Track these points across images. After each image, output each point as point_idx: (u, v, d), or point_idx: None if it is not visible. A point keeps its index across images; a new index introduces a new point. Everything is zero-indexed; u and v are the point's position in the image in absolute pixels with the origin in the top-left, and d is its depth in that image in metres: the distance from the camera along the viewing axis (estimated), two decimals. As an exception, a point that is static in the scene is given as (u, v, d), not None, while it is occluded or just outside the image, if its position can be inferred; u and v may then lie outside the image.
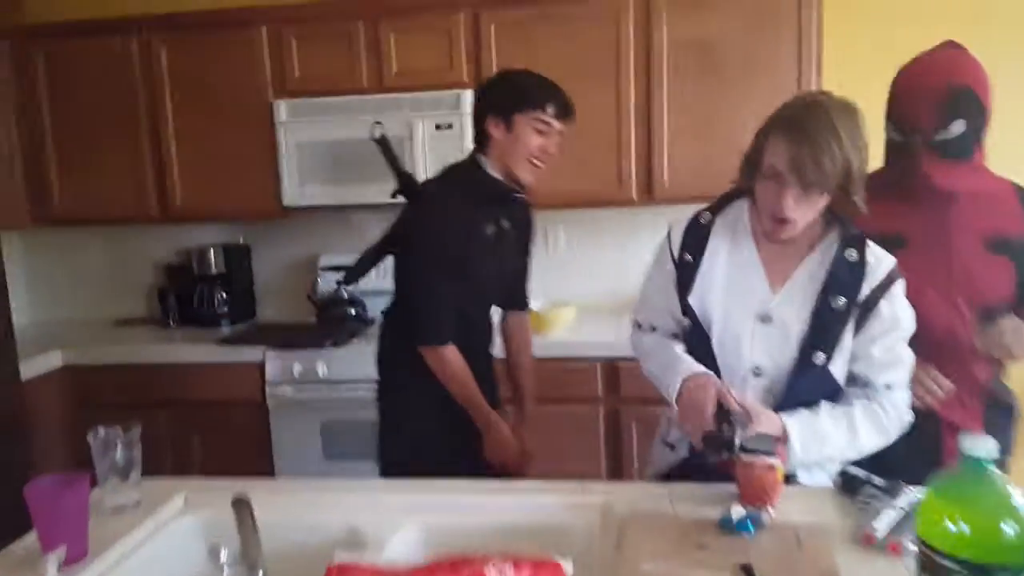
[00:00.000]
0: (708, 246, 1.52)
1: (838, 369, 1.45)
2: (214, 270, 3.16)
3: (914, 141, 1.54)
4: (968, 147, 1.53)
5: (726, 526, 1.22)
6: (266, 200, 2.94)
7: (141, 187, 3.03)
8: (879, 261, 1.43)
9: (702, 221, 1.55)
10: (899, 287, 1.43)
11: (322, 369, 2.70)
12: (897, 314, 1.44)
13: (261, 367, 2.75)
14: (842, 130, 1.30)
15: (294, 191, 2.87)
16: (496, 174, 1.87)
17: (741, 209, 1.53)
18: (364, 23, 2.82)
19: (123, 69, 2.97)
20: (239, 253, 3.27)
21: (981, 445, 0.81)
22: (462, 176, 1.91)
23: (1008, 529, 0.79)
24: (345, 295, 3.04)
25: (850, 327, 1.43)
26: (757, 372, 1.47)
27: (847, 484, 1.36)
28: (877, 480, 1.33)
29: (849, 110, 1.34)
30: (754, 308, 1.47)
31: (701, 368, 1.44)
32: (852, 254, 1.43)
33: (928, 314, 1.51)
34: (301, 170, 2.84)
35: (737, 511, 1.22)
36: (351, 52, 2.84)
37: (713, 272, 1.50)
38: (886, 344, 1.44)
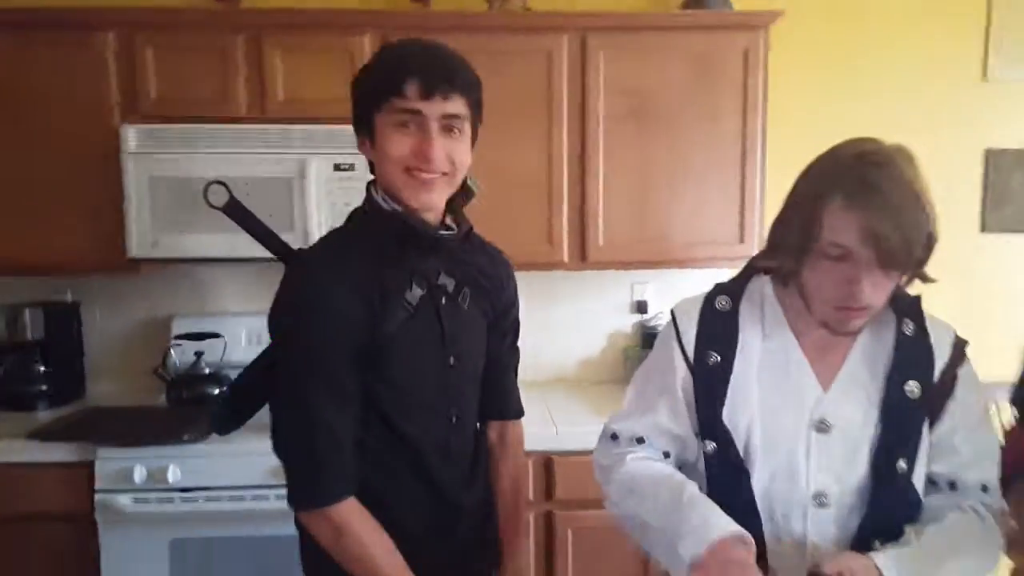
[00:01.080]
0: (740, 341, 1.17)
1: (919, 477, 1.15)
2: (30, 335, 2.45)
3: None
4: None
5: None
6: (104, 249, 2.30)
7: (-70, 227, 2.30)
8: (941, 331, 1.19)
9: (720, 308, 1.20)
10: (969, 360, 1.18)
11: (173, 473, 2.08)
12: (975, 394, 1.18)
13: (90, 468, 2.09)
14: (920, 190, 1.04)
15: (143, 239, 2.26)
16: (394, 207, 1.23)
17: (763, 290, 1.21)
18: (244, 37, 2.29)
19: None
20: (65, 314, 2.57)
21: None
22: (356, 223, 1.30)
23: None
24: (206, 370, 2.44)
25: (926, 420, 1.15)
26: (821, 501, 1.14)
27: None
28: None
29: (915, 162, 1.07)
30: (806, 416, 1.15)
31: (736, 528, 1.05)
32: (909, 326, 1.17)
33: None
34: (154, 213, 2.24)
35: None
36: (225, 70, 2.30)
37: (747, 376, 1.17)
38: (973, 432, 1.17)
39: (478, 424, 1.41)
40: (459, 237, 1.28)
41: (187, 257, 2.31)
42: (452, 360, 1.28)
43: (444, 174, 1.20)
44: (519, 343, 1.49)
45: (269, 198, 2.23)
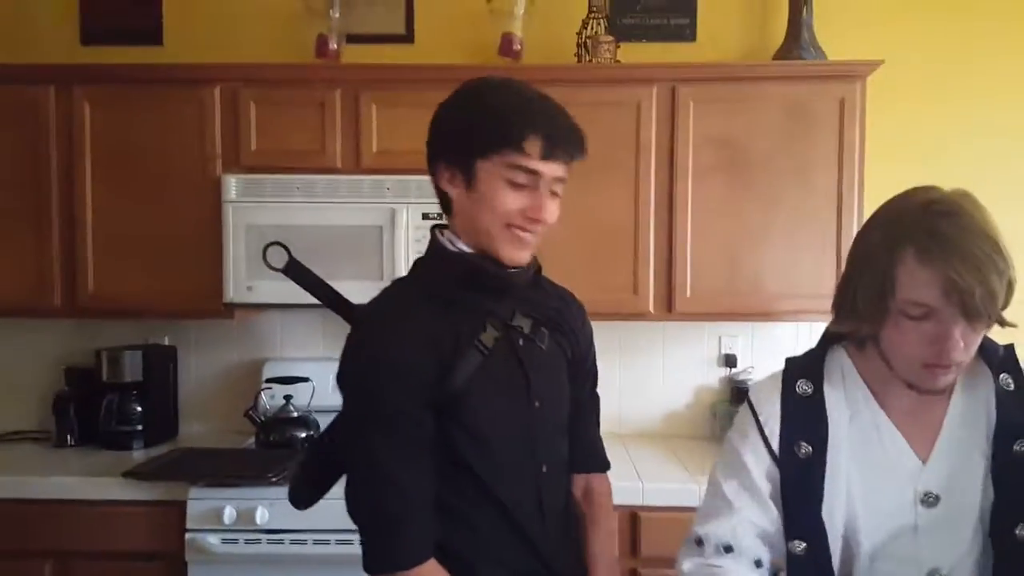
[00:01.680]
0: (830, 427, 1.10)
1: None
2: (128, 377, 2.53)
3: None
4: None
5: None
6: (203, 294, 2.38)
7: (44, 270, 2.42)
8: None
9: (802, 392, 1.12)
10: None
11: (261, 515, 2.10)
12: None
13: (181, 508, 2.13)
14: (995, 235, 0.98)
15: (239, 285, 2.34)
16: (468, 250, 1.20)
17: (842, 363, 1.15)
18: (342, 91, 2.38)
19: (33, 123, 2.41)
20: (162, 357, 2.66)
21: None
22: (421, 269, 1.26)
23: None
24: (294, 413, 2.47)
25: None
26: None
27: None
28: None
29: (982, 207, 1.02)
30: (909, 491, 1.07)
31: None
32: (1008, 381, 1.09)
33: None
34: (249, 260, 2.32)
35: None
36: (323, 124, 2.38)
37: (839, 463, 1.09)
38: None
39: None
40: (528, 275, 1.24)
41: (279, 303, 2.37)
42: (537, 403, 1.22)
43: (539, 232, 1.18)
44: (599, 391, 1.43)
45: (361, 246, 2.29)
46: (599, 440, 1.39)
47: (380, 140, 2.37)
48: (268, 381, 2.55)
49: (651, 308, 2.39)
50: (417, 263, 1.28)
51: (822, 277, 2.32)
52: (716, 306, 2.40)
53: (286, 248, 1.31)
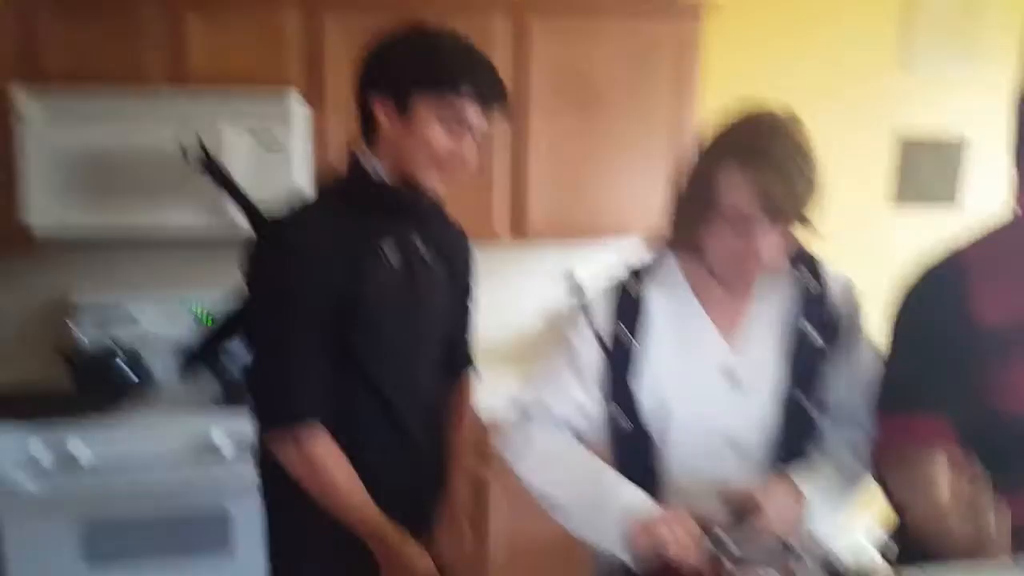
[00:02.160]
0: (648, 317, 1.22)
1: (821, 411, 1.23)
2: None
3: None
4: None
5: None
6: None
7: None
8: (834, 276, 1.26)
9: (628, 287, 1.24)
10: (859, 303, 1.26)
11: (82, 451, 1.97)
12: (863, 333, 1.26)
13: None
14: (805, 147, 1.11)
15: (41, 213, 2.08)
16: (386, 177, 1.28)
17: (669, 263, 1.26)
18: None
19: None
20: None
21: None
22: (337, 184, 1.33)
23: None
24: (114, 347, 2.31)
25: (827, 359, 1.22)
26: (735, 445, 1.21)
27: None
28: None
29: (800, 125, 1.14)
30: (716, 371, 1.21)
31: (650, 505, 1.11)
32: (806, 275, 1.24)
33: None
34: (52, 186, 2.08)
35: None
36: (139, 32, 2.16)
37: (658, 348, 1.22)
38: (862, 366, 1.24)
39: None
40: (433, 205, 1.36)
41: (92, 235, 2.15)
42: (424, 320, 1.36)
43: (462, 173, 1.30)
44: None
45: (183, 170, 2.02)
46: (468, 344, 1.58)
47: (204, 53, 2.19)
48: (81, 312, 2.37)
49: (500, 230, 2.42)
50: (334, 177, 1.35)
51: (661, 201, 2.44)
52: (565, 228, 2.47)
53: (204, 146, 1.43)
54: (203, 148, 1.37)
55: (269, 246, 1.27)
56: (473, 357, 1.60)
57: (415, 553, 1.31)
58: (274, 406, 1.25)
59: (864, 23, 2.86)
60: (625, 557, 1.09)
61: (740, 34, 2.75)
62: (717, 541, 1.00)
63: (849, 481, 1.20)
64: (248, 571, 2.05)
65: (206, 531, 2.04)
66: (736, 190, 1.08)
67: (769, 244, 1.11)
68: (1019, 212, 1.13)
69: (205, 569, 2.06)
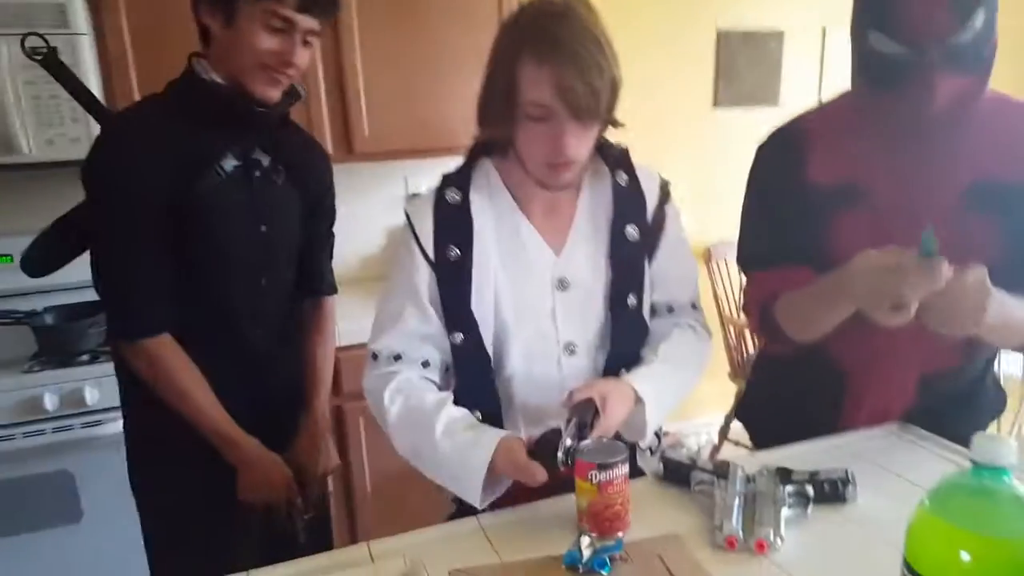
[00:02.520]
0: (475, 231, 1.20)
1: (647, 309, 1.27)
2: None
3: (927, 52, 1.07)
4: (981, 52, 1.09)
5: (575, 565, 0.93)
6: None
7: None
8: (648, 174, 1.28)
9: (452, 201, 1.21)
10: (672, 199, 1.29)
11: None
12: (681, 225, 1.30)
13: None
14: (601, 37, 1.08)
15: None
16: (221, 81, 1.29)
17: (488, 171, 1.25)
18: None
19: None
20: None
21: (998, 449, 0.61)
22: (172, 92, 1.33)
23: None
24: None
25: (646, 257, 1.25)
26: (571, 349, 1.23)
27: (673, 471, 1.17)
28: (702, 462, 1.16)
29: (594, 11, 1.11)
30: (547, 280, 1.22)
31: (499, 438, 1.09)
32: (622, 177, 1.25)
33: None
34: None
35: (587, 544, 0.95)
36: None
37: (488, 262, 1.20)
38: (681, 260, 1.30)
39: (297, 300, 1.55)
40: (275, 116, 1.35)
41: None
42: (263, 228, 1.38)
43: (291, 75, 1.30)
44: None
45: None
46: (329, 270, 1.62)
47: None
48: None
49: (330, 150, 2.34)
50: (170, 84, 1.34)
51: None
52: (397, 144, 2.41)
53: (45, 40, 1.38)
54: (46, 43, 1.36)
55: (99, 148, 1.28)
56: (333, 282, 1.63)
57: (270, 460, 1.38)
58: (121, 318, 1.33)
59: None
60: (480, 504, 1.09)
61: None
62: (567, 451, 1.00)
63: (685, 375, 1.24)
64: (98, 535, 2.00)
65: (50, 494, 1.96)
66: (535, 85, 1.06)
67: (576, 141, 1.10)
68: (852, 86, 1.22)
69: (53, 539, 1.99)
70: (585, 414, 1.05)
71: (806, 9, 3.12)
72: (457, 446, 1.09)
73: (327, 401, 1.58)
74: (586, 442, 1.02)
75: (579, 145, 1.11)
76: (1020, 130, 1.18)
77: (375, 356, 1.23)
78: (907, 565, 0.65)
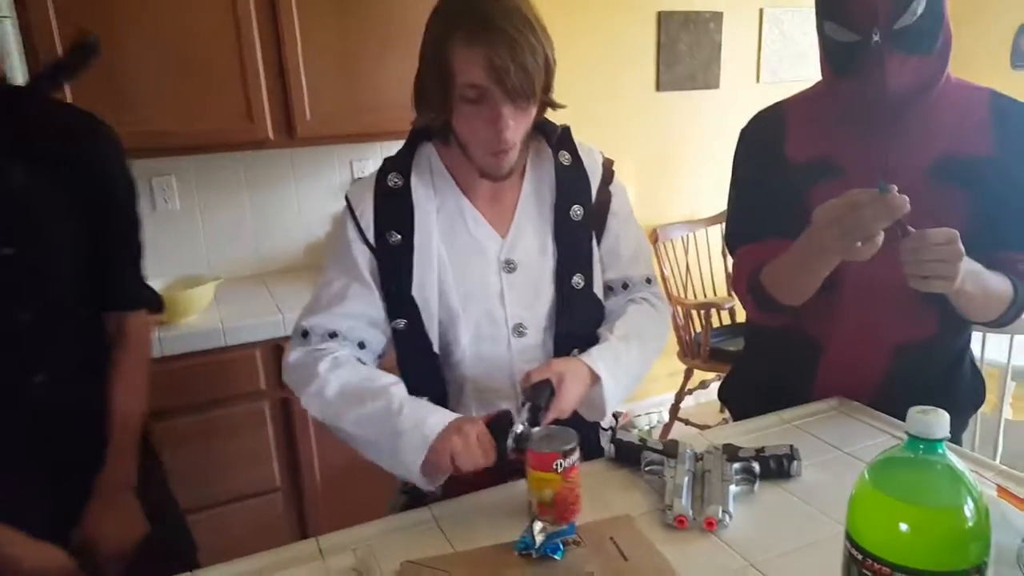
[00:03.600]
0: (416, 216, 1.18)
1: (598, 288, 1.27)
2: None
3: (874, 37, 1.14)
4: (931, 35, 1.16)
5: (528, 550, 0.94)
6: None
7: None
8: (590, 153, 1.28)
9: (393, 186, 1.19)
10: (616, 176, 1.30)
11: None
12: (627, 202, 1.32)
13: None
14: (532, 17, 1.07)
15: None
16: None
17: (429, 155, 1.23)
18: None
19: None
20: None
21: (932, 422, 0.63)
22: None
23: (964, 526, 0.62)
24: None
25: (592, 236, 1.25)
26: (520, 330, 1.23)
27: (623, 452, 1.18)
28: (652, 442, 1.18)
29: None
30: (493, 263, 1.21)
31: (447, 418, 1.06)
32: (566, 157, 1.25)
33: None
34: None
35: (540, 529, 0.95)
36: None
37: (430, 247, 1.19)
38: (630, 237, 1.30)
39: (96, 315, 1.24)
40: (53, 121, 1.11)
41: None
42: (8, 252, 1.07)
43: None
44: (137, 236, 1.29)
45: None
46: (136, 278, 1.29)
47: None
48: None
49: (271, 135, 2.27)
50: None
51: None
52: (341, 128, 2.35)
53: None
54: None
55: None
56: (145, 294, 1.31)
57: (39, 557, 1.07)
58: None
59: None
60: (424, 484, 1.07)
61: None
62: (518, 438, 0.99)
63: (643, 350, 1.23)
64: None
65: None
66: (468, 67, 1.04)
67: (513, 123, 1.09)
68: (821, 72, 1.29)
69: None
70: (540, 396, 1.05)
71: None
72: (407, 420, 1.06)
73: (134, 452, 1.23)
74: (536, 428, 1.02)
75: (516, 127, 1.10)
76: (980, 111, 1.24)
77: (305, 333, 1.19)
78: (849, 538, 0.67)
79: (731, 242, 1.44)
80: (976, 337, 1.71)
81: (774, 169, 1.32)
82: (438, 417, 1.06)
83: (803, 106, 1.36)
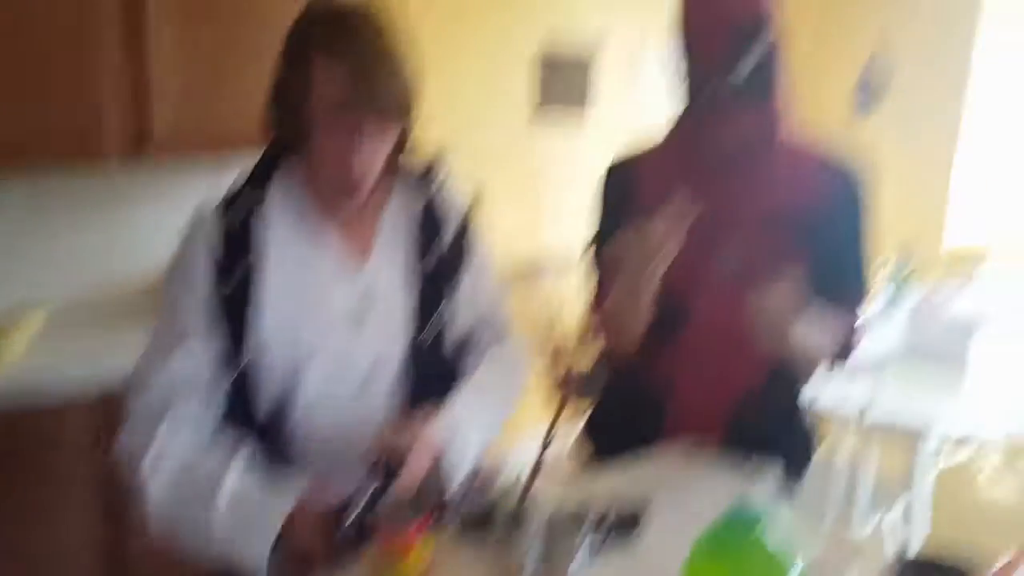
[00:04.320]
0: (269, 237, 1.11)
1: (454, 333, 1.24)
2: None
3: (711, 82, 1.20)
4: (768, 89, 1.22)
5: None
6: None
7: None
8: (453, 197, 1.26)
9: (243, 211, 1.12)
10: (475, 223, 1.28)
11: None
12: (485, 249, 1.30)
13: None
14: (394, 38, 1.07)
15: None
16: None
17: (284, 179, 1.16)
18: None
19: None
20: None
21: (749, 504, 0.65)
22: None
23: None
24: None
25: (450, 282, 1.22)
26: (371, 376, 1.16)
27: (470, 524, 1.13)
28: (500, 510, 1.13)
29: (385, 8, 1.09)
30: (344, 301, 1.15)
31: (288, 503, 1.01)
32: (428, 196, 1.23)
33: (702, 304, 1.30)
34: None
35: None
36: None
37: (279, 283, 1.11)
38: (488, 284, 1.29)
39: None
40: None
41: None
42: None
43: None
44: None
45: None
46: None
47: None
48: None
49: (113, 148, 1.99)
50: None
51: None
52: (197, 145, 2.12)
53: None
54: None
55: None
56: None
57: None
58: None
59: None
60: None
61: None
62: (365, 508, 0.97)
63: (500, 402, 1.23)
64: None
65: None
66: (329, 79, 1.02)
67: (371, 144, 1.06)
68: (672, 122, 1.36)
69: None
70: (387, 461, 1.01)
71: (615, 35, 3.27)
72: (249, 506, 1.00)
73: None
74: (384, 506, 0.98)
75: (374, 148, 1.07)
76: (814, 165, 1.32)
77: (141, 392, 1.09)
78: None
79: (589, 271, 1.47)
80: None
81: (628, 209, 1.33)
82: (282, 501, 1.00)
83: (654, 156, 1.41)
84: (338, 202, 1.13)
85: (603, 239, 1.43)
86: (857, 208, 1.32)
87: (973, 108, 3.34)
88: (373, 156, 1.08)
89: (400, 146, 1.15)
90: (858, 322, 1.33)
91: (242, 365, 1.10)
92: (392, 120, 1.08)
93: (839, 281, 1.32)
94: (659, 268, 1.19)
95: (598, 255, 1.45)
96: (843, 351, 1.33)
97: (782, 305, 1.13)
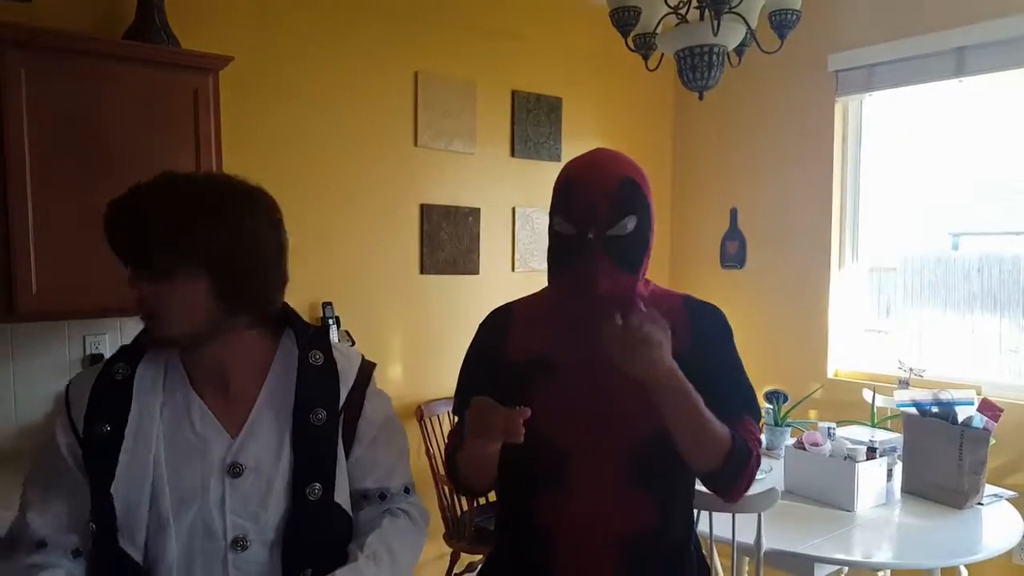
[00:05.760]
0: (134, 409, 1.11)
1: (342, 498, 1.19)
2: None
3: (587, 233, 1.25)
4: (637, 252, 1.29)
5: None
6: None
7: None
8: (348, 357, 1.26)
9: (116, 375, 1.13)
10: (374, 381, 1.28)
11: None
12: (387, 407, 1.29)
13: None
14: (193, 201, 1.12)
15: None
16: None
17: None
18: None
19: None
20: None
21: None
22: None
23: None
24: None
25: (340, 442, 1.19)
26: (240, 544, 1.11)
27: None
28: None
29: (195, 186, 1.16)
30: (216, 465, 1.13)
31: None
32: (317, 356, 1.21)
33: (579, 450, 1.27)
34: None
35: None
36: None
37: (145, 443, 1.11)
38: (390, 443, 1.26)
39: None
40: None
41: None
42: None
43: None
44: None
45: None
46: None
47: None
48: None
49: None
50: None
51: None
52: (74, 303, 2.15)
53: None
54: None
55: None
56: None
57: None
58: None
59: (383, 105, 3.14)
60: None
61: (263, 92, 2.80)
62: None
63: (395, 568, 1.18)
64: None
65: None
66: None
67: (138, 287, 1.10)
68: (548, 269, 1.35)
69: None
70: None
71: (497, 191, 3.52)
72: None
73: None
74: None
75: (146, 293, 1.09)
76: (678, 312, 1.33)
77: (13, 544, 1.06)
78: None
79: (453, 415, 1.45)
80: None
81: (493, 369, 1.35)
82: None
83: (529, 307, 1.42)
84: (220, 370, 1.16)
85: (471, 385, 1.39)
86: (722, 341, 1.35)
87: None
88: (147, 300, 1.10)
89: (228, 300, 1.13)
90: (741, 445, 1.27)
91: (90, 524, 1.08)
92: (141, 267, 1.11)
93: (716, 414, 1.28)
94: (496, 445, 1.19)
95: (462, 400, 1.37)
96: (732, 459, 1.26)
97: (642, 325, 1.13)
